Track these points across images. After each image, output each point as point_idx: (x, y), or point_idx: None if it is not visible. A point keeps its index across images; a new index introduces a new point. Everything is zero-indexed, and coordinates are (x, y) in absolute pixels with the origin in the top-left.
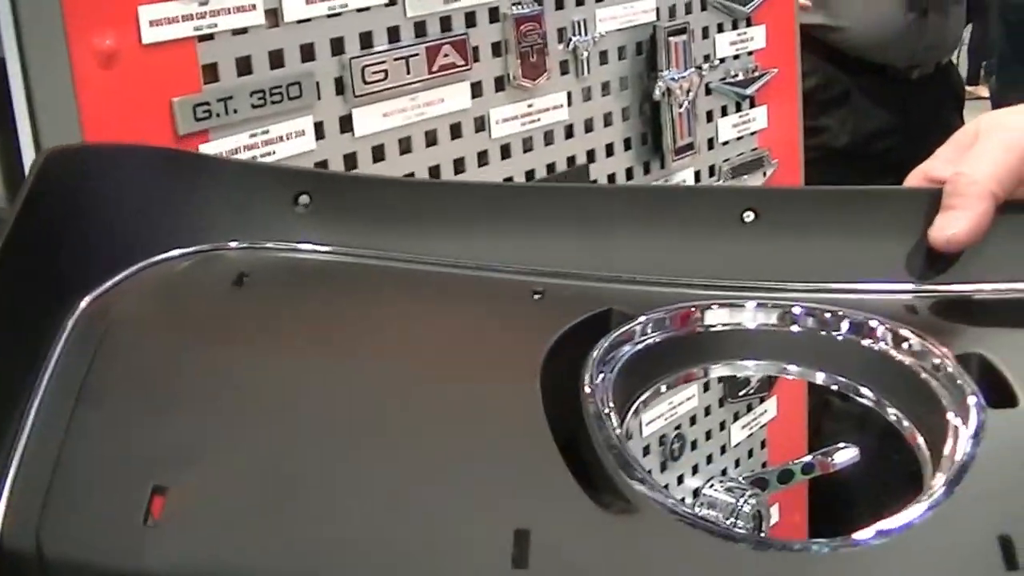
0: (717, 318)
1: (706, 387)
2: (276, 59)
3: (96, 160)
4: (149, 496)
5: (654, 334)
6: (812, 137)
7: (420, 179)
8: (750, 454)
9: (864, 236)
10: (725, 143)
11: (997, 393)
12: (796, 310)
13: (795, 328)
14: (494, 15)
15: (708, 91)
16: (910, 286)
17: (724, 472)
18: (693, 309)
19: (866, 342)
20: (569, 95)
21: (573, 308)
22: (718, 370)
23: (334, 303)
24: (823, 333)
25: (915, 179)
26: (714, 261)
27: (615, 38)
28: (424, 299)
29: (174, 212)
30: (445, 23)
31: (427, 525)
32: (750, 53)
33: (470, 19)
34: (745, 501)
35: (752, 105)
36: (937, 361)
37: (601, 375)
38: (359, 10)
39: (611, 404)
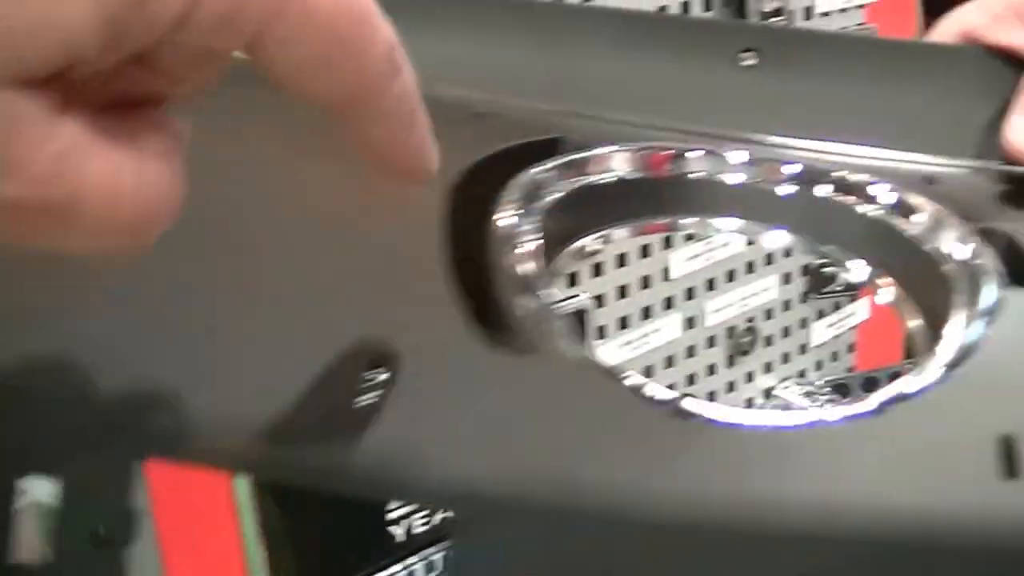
0: (693, 165)
1: (786, 278)
2: None
3: None
4: None
5: (610, 171)
6: None
7: None
8: (834, 357)
9: (883, 95)
10: (825, 14)
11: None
12: (789, 167)
13: (785, 187)
14: None
15: None
16: (932, 156)
17: (802, 374)
18: (665, 150)
19: (867, 208)
20: None
21: (515, 133)
22: (688, 224)
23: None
24: (817, 195)
25: (949, 30)
26: (698, 104)
27: None
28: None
29: None
30: None
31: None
32: None
33: None
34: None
35: None
36: (951, 234)
37: (530, 202)
38: None
39: (534, 234)
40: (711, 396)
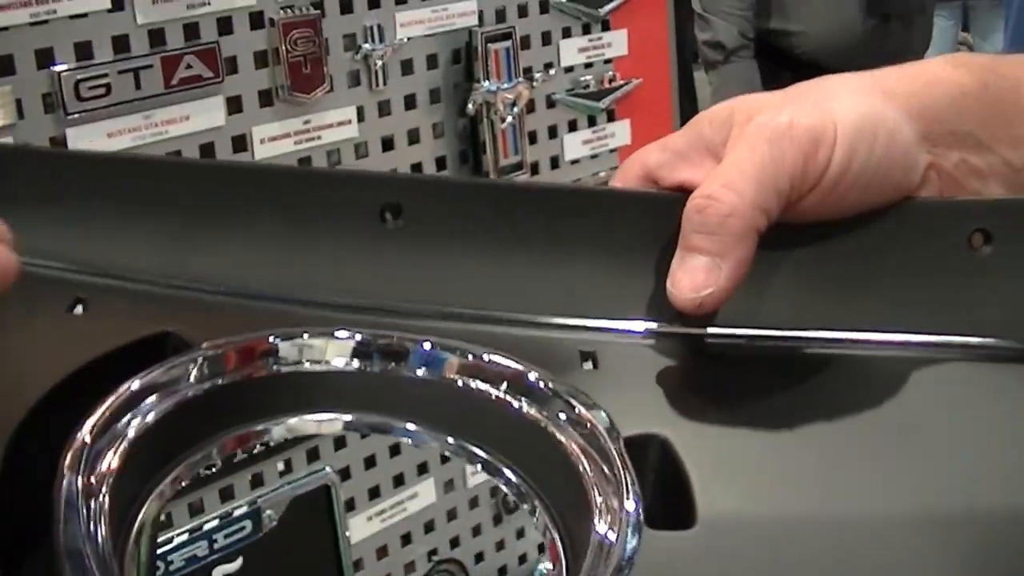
0: (295, 352)
1: None
2: None
3: None
4: None
5: (209, 377)
6: None
7: None
8: None
9: (543, 251)
10: (575, 161)
11: (671, 501)
12: (423, 346)
13: (415, 372)
14: (257, 22)
15: (553, 104)
16: (591, 322)
17: None
18: (262, 340)
19: (518, 404)
20: (360, 110)
21: (120, 329)
22: (280, 431)
23: None
24: (456, 384)
25: (632, 171)
26: (340, 274)
27: (422, 45)
28: None
29: None
30: (191, 32)
31: None
32: (607, 61)
33: (224, 26)
34: None
35: (611, 119)
36: (599, 443)
37: (110, 443)
38: (72, 17)
39: (107, 488)
40: (479, 557)
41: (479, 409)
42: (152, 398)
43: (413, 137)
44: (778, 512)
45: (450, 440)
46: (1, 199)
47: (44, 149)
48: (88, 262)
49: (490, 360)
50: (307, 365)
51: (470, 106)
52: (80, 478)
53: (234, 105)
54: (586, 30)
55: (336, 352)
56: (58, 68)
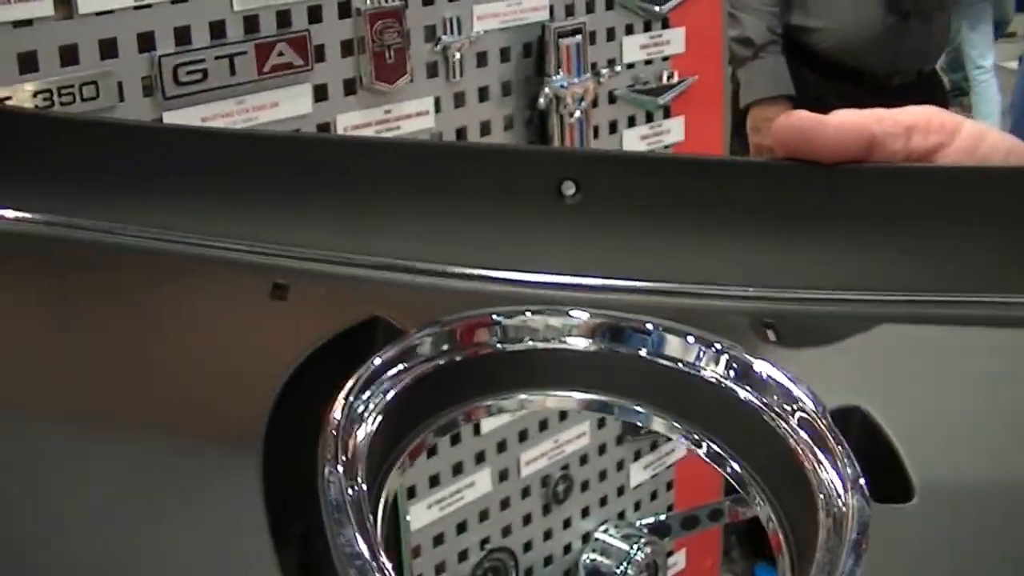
0: (523, 331)
1: (601, 423)
2: (68, 55)
3: None
4: None
5: (434, 357)
6: None
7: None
8: (653, 496)
9: (720, 222)
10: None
11: (884, 474)
12: (646, 327)
13: (637, 352)
14: (345, 11)
15: (614, 99)
16: (769, 291)
17: (622, 515)
18: (486, 318)
19: (742, 392)
20: (437, 100)
21: (325, 314)
22: (511, 403)
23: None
24: (679, 365)
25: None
26: (523, 249)
27: (496, 38)
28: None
29: None
30: (283, 19)
31: None
32: (666, 58)
33: (314, 15)
34: (640, 549)
35: (667, 115)
36: (811, 421)
37: (354, 430)
38: (173, 2)
39: (361, 478)
40: (527, 546)
41: (699, 393)
42: (383, 382)
43: (485, 129)
44: (993, 477)
45: (676, 424)
46: (188, 184)
47: (223, 131)
48: (281, 243)
49: (707, 342)
50: (532, 343)
51: (541, 100)
52: (340, 467)
53: (320, 93)
54: (647, 27)
55: (560, 331)
56: (159, 52)
